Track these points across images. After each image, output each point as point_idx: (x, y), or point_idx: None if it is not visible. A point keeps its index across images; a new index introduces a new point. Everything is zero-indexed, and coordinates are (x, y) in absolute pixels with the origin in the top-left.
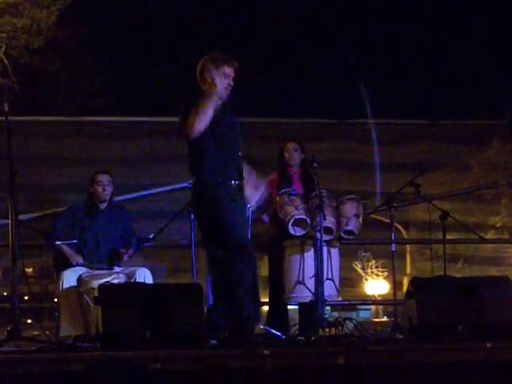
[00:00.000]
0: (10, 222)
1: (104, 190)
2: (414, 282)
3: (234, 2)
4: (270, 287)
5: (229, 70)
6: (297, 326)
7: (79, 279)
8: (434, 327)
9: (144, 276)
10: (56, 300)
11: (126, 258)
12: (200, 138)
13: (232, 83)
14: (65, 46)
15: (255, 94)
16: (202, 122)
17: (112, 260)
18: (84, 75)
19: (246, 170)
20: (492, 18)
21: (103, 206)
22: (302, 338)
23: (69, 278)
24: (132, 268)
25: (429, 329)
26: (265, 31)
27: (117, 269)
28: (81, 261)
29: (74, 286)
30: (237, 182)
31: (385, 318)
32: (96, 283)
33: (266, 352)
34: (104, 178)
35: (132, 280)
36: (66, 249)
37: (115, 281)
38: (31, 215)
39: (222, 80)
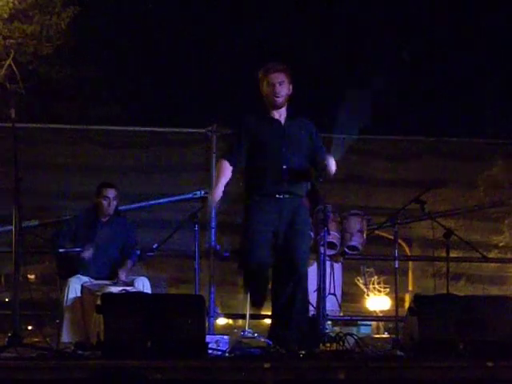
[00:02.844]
0: (13, 228)
1: (109, 205)
2: (416, 299)
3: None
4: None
5: (272, 77)
6: None
7: (82, 287)
8: (435, 345)
9: (143, 285)
10: (59, 307)
11: (123, 278)
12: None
13: (279, 89)
14: (73, 54)
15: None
16: None
17: (110, 274)
18: (92, 83)
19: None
20: (498, 34)
21: (105, 218)
22: (303, 352)
23: (74, 286)
24: (131, 277)
25: (430, 346)
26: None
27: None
28: (91, 254)
29: (78, 294)
30: (271, 194)
31: (385, 334)
32: (98, 292)
33: (267, 365)
34: (110, 193)
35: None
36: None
37: (115, 289)
38: (35, 222)
39: (268, 89)
